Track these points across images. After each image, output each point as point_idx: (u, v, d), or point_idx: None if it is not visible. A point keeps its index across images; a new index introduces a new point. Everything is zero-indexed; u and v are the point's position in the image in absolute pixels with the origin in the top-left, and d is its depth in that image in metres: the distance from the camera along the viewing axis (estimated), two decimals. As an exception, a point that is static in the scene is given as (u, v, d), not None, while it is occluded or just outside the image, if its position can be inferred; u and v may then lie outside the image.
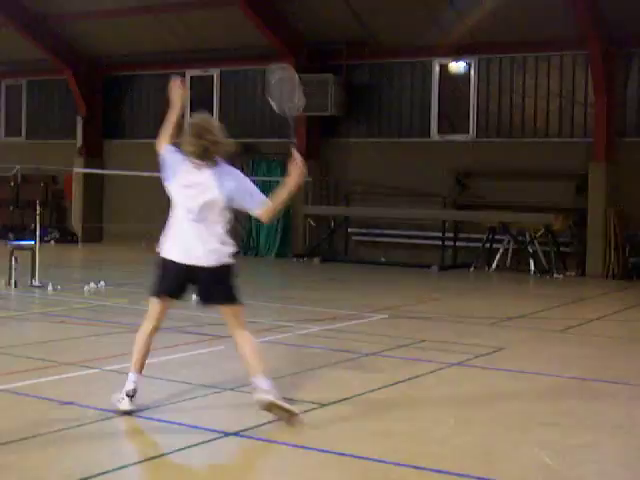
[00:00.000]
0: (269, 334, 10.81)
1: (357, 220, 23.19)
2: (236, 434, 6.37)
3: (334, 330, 11.33)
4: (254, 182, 7.20)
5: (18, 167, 22.07)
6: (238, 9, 22.25)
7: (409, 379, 8.52)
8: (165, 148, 7.12)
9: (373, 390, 7.96)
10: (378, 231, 22.80)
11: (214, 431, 6.41)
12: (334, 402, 7.40)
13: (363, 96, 22.97)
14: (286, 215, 23.19)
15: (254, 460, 5.91)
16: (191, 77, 25.50)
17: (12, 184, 26.51)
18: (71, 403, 7.09)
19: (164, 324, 10.98)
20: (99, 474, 5.41)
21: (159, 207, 25.31)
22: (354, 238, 23.22)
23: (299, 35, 23.06)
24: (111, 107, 26.91)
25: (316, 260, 21.88)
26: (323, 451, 6.03)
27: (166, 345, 9.90)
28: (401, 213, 22.16)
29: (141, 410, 6.89)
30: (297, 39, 23.04)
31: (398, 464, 5.78)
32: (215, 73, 25.21)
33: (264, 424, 6.63)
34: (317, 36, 22.89)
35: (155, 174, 22.55)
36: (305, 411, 7.00)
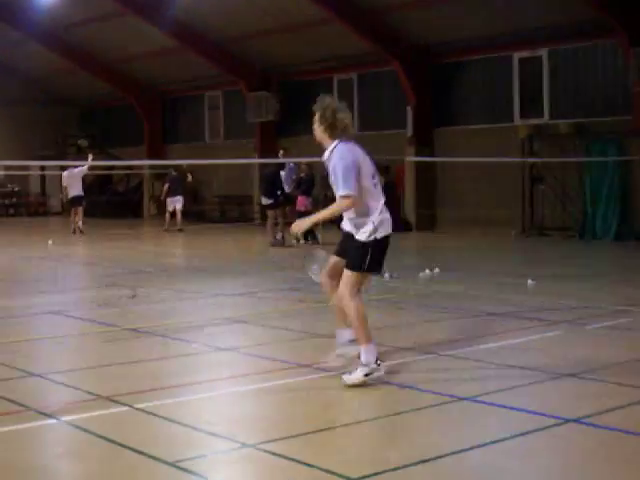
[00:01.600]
0: (607, 319, 10.45)
1: None
2: (576, 421, 6.21)
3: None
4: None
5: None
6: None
7: None
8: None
9: None
10: None
11: (553, 417, 6.29)
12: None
13: None
14: (624, 196, 22.38)
15: (598, 449, 5.72)
16: (519, 59, 25.20)
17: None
18: (410, 387, 7.23)
19: (500, 309, 10.99)
20: (437, 457, 5.48)
21: (493, 193, 25.30)
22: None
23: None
24: (439, 95, 27.13)
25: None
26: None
27: (501, 330, 9.87)
28: None
29: (478, 395, 6.91)
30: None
31: None
32: (543, 53, 24.71)
33: (606, 411, 6.42)
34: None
35: (486, 159, 22.50)
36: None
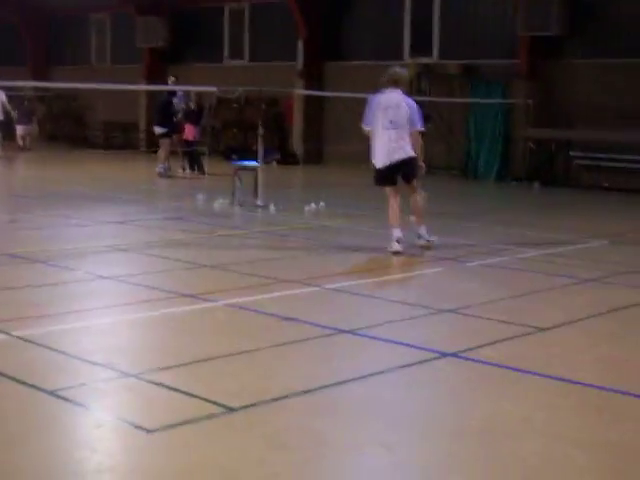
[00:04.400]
0: (487, 257, 10.71)
1: (580, 144, 22.33)
2: (453, 355, 6.36)
3: (553, 255, 11.10)
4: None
5: (241, 89, 22.46)
6: None
7: (633, 305, 8.24)
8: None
9: (593, 316, 7.77)
10: (604, 155, 21.72)
11: (431, 351, 6.43)
12: (553, 327, 7.27)
13: (590, 13, 21.88)
14: (506, 138, 22.79)
15: (473, 382, 5.88)
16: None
17: (236, 106, 27.18)
18: (294, 319, 7.27)
19: (384, 245, 11.14)
20: (319, 388, 5.55)
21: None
22: (577, 162, 22.38)
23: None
24: (330, 29, 26.96)
25: (535, 184, 21.42)
26: (541, 375, 5.94)
27: (377, 266, 10.00)
28: (628, 137, 20.99)
29: (361, 328, 7.01)
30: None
31: (625, 392, 5.64)
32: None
33: (482, 346, 6.59)
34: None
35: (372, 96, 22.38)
36: (523, 335, 6.94)
